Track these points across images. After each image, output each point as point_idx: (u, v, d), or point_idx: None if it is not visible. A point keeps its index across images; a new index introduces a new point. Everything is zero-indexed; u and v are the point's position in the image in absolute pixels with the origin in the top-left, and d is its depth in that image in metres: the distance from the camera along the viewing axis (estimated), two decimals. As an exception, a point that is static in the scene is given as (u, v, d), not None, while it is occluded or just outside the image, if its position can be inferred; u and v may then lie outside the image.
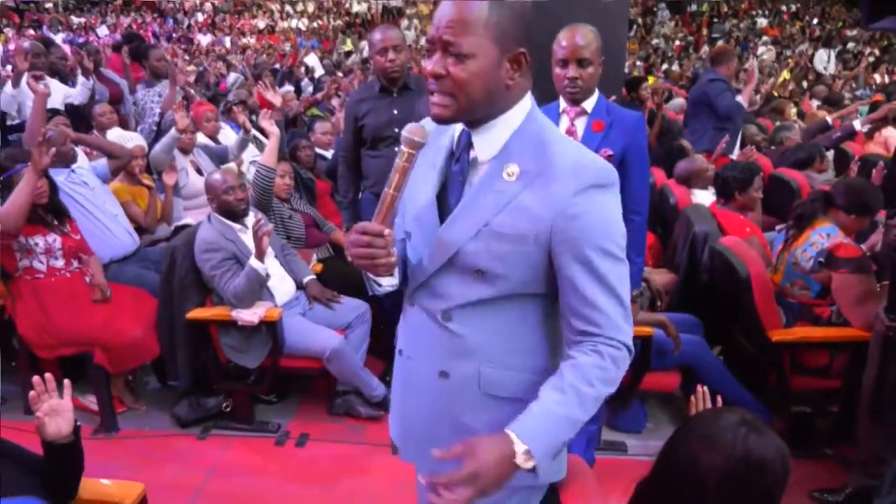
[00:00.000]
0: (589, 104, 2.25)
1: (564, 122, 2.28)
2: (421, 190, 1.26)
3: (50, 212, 2.95)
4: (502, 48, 1.13)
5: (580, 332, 1.18)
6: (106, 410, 3.02)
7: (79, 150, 3.57)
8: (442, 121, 1.18)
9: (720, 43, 17.02)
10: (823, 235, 2.68)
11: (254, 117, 4.92)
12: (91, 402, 3.08)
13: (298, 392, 3.36)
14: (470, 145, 1.22)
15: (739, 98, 4.57)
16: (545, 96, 2.08)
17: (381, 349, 3.28)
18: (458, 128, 1.24)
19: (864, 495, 2.43)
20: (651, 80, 9.27)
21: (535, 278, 1.20)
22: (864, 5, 2.27)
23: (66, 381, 1.56)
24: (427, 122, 1.23)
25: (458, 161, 1.23)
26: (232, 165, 4.40)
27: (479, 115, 1.17)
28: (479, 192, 1.19)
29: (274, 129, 3.45)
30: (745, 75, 4.69)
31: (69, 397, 1.56)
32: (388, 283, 1.29)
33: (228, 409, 3.07)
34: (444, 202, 1.24)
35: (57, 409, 1.53)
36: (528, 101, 1.21)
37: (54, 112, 3.94)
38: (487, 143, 1.19)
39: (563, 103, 2.28)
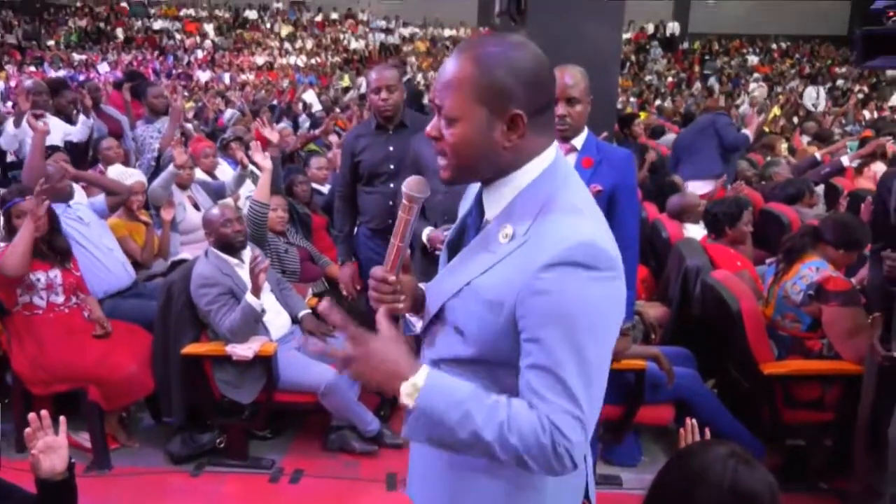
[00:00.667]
0: (578, 141, 2.30)
1: (555, 159, 2.32)
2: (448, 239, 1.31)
3: (52, 247, 2.98)
4: (491, 110, 1.07)
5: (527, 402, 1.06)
6: (99, 447, 3.00)
7: (76, 187, 3.62)
8: (446, 182, 1.17)
9: (711, 80, 17.35)
10: (813, 269, 2.72)
11: (250, 152, 4.98)
12: (84, 439, 3.06)
13: (293, 427, 3.34)
14: (481, 202, 1.22)
15: (746, 130, 4.69)
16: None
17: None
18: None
19: None
20: (643, 115, 9.42)
21: (502, 349, 1.10)
22: (857, 45, 2.35)
23: (62, 418, 1.57)
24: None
25: (471, 215, 1.25)
26: (229, 201, 4.45)
27: (481, 175, 1.15)
28: (473, 250, 1.17)
29: (266, 164, 3.50)
30: (745, 119, 4.82)
31: (64, 434, 1.56)
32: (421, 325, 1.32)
33: (222, 445, 3.06)
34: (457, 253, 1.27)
35: (52, 446, 1.54)
36: (544, 161, 1.14)
37: (54, 149, 3.99)
38: (494, 201, 1.17)
39: (553, 141, 2.33)
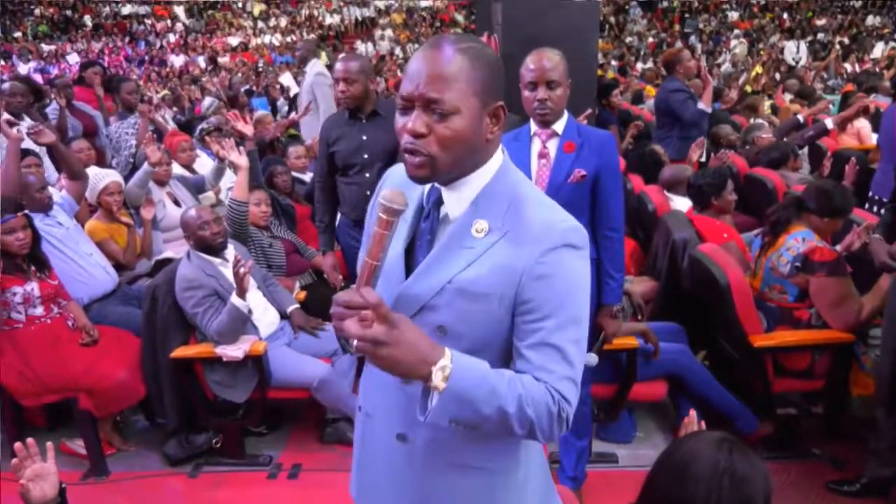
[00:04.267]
0: (559, 126, 2.27)
1: (537, 144, 2.29)
2: (392, 246, 1.20)
3: (31, 261, 2.93)
4: (483, 102, 1.11)
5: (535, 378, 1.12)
6: (95, 455, 2.99)
7: (54, 190, 3.54)
8: (421, 181, 1.15)
9: (692, 39, 17.24)
10: (799, 240, 2.72)
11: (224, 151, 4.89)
12: (79, 446, 3.05)
13: (289, 421, 3.34)
14: (439, 202, 1.19)
15: (701, 105, 4.60)
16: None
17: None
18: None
19: (880, 484, 2.47)
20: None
21: (492, 338, 1.16)
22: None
23: (49, 444, 1.55)
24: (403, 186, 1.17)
25: (428, 217, 1.21)
26: (210, 194, 4.39)
27: (457, 173, 1.15)
28: (446, 248, 1.16)
29: (242, 162, 3.44)
30: (701, 77, 4.68)
31: (52, 460, 1.55)
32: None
33: (218, 445, 3.05)
34: (412, 257, 1.22)
35: (41, 474, 1.52)
36: (500, 155, 1.20)
37: (26, 153, 3.90)
38: (458, 199, 1.17)
39: (533, 126, 2.30)
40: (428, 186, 1.21)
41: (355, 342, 1.01)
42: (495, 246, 1.13)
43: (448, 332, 1.15)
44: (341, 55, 3.29)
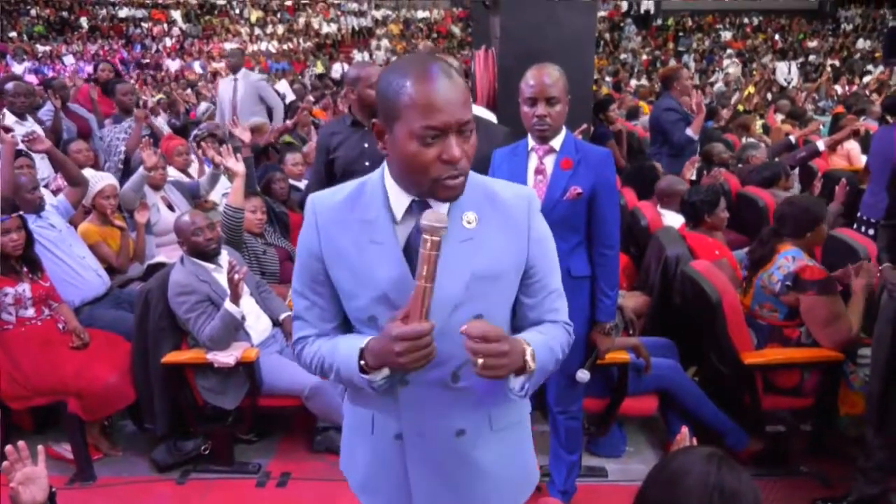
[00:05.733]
0: (557, 142, 2.27)
1: (534, 160, 2.30)
2: (375, 269, 1.24)
3: (24, 262, 2.92)
4: None
5: (549, 321, 1.35)
6: (82, 459, 2.96)
7: (44, 191, 3.53)
8: (456, 199, 1.22)
9: (685, 58, 17.41)
10: (789, 258, 2.74)
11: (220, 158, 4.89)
12: (66, 450, 3.02)
13: (278, 429, 3.33)
14: (424, 206, 1.22)
15: (689, 131, 4.64)
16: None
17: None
18: (401, 201, 1.25)
19: (867, 502, 2.50)
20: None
21: (508, 305, 1.33)
22: (885, 42, 2.42)
23: (40, 448, 1.54)
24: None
25: (417, 228, 1.22)
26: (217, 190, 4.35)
27: None
28: (448, 246, 1.19)
29: (239, 169, 3.43)
30: (693, 104, 4.72)
31: (43, 463, 1.54)
32: (384, 374, 1.25)
33: (207, 452, 3.03)
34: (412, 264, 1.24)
35: (31, 477, 1.51)
36: None
37: (18, 153, 3.88)
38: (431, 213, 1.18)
39: (531, 141, 2.31)
40: (405, 205, 1.25)
41: (480, 364, 1.13)
42: (491, 228, 1.25)
43: (485, 317, 1.23)
44: (356, 63, 3.28)
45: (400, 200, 1.25)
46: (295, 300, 1.37)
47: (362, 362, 1.23)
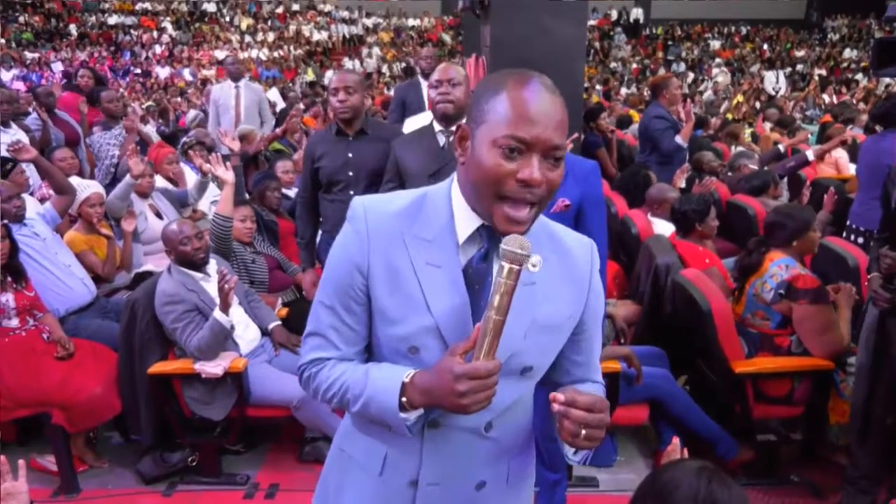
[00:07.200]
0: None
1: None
2: (431, 295, 1.10)
3: (8, 272, 2.88)
4: None
5: (591, 381, 1.28)
6: (66, 472, 2.91)
7: (29, 199, 3.49)
8: (523, 232, 1.05)
9: (674, 67, 17.55)
10: (782, 267, 2.74)
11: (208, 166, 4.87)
12: (50, 462, 2.97)
13: (266, 440, 3.29)
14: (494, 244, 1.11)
15: (678, 139, 4.67)
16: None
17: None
18: (468, 223, 1.11)
19: None
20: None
21: (552, 360, 1.22)
22: (872, 52, 2.49)
23: (20, 462, 1.51)
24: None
25: (484, 259, 1.11)
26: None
27: None
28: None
29: (228, 177, 3.41)
30: (682, 112, 4.74)
31: (24, 478, 1.50)
32: (418, 413, 1.11)
33: (194, 463, 3.00)
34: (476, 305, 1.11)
35: (11, 492, 1.48)
36: None
37: (2, 162, 3.85)
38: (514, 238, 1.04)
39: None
40: (472, 229, 1.11)
41: (583, 435, 1.04)
42: (555, 275, 1.14)
43: (534, 371, 1.17)
44: (338, 70, 3.31)
45: (466, 222, 1.11)
46: (319, 314, 1.20)
47: (403, 399, 1.08)
